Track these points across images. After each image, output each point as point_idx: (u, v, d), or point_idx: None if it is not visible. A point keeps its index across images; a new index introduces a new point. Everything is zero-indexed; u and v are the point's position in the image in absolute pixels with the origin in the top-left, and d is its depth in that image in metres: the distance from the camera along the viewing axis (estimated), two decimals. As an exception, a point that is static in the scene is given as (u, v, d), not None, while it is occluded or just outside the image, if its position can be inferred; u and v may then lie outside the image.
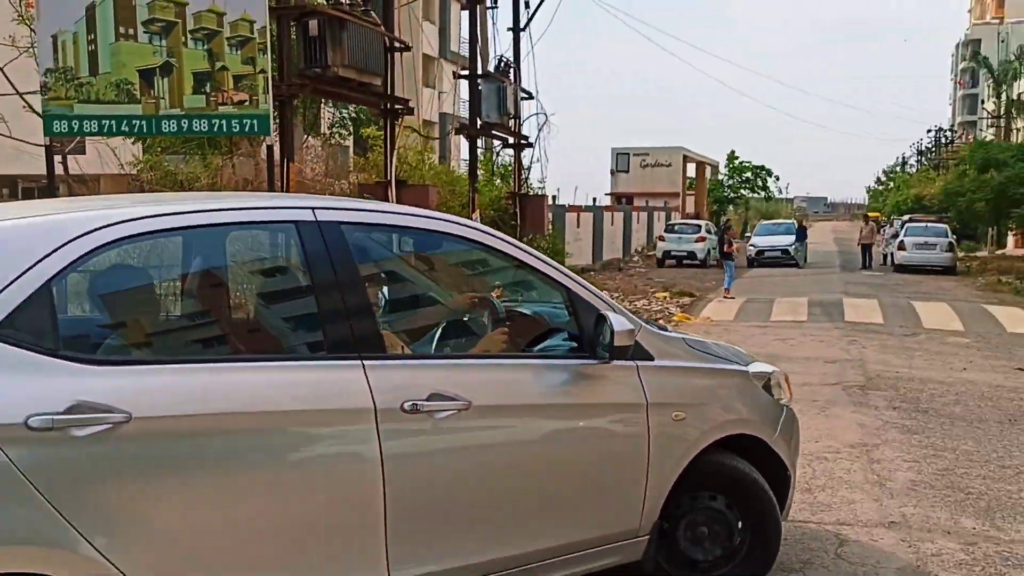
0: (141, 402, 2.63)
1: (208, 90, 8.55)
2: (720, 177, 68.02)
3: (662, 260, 31.06)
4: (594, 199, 40.39)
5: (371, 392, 3.02)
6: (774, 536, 4.05)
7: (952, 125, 68.21)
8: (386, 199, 10.29)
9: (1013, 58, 45.66)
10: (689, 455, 3.82)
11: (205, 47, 8.58)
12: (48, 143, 9.53)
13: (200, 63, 8.59)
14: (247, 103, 8.47)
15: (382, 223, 3.57)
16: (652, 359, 3.74)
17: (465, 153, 22.64)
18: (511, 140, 19.06)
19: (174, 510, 2.69)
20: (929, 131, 74.84)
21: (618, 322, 3.50)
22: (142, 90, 8.76)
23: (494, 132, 17.43)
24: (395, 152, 11.11)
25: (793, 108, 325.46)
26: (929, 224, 31.69)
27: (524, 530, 3.45)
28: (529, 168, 20.75)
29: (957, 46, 56.88)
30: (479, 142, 17.65)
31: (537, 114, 21.02)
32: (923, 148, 63.82)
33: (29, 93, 10.61)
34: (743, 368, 4.21)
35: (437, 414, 3.15)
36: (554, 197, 28.75)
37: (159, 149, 13.47)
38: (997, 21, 59.89)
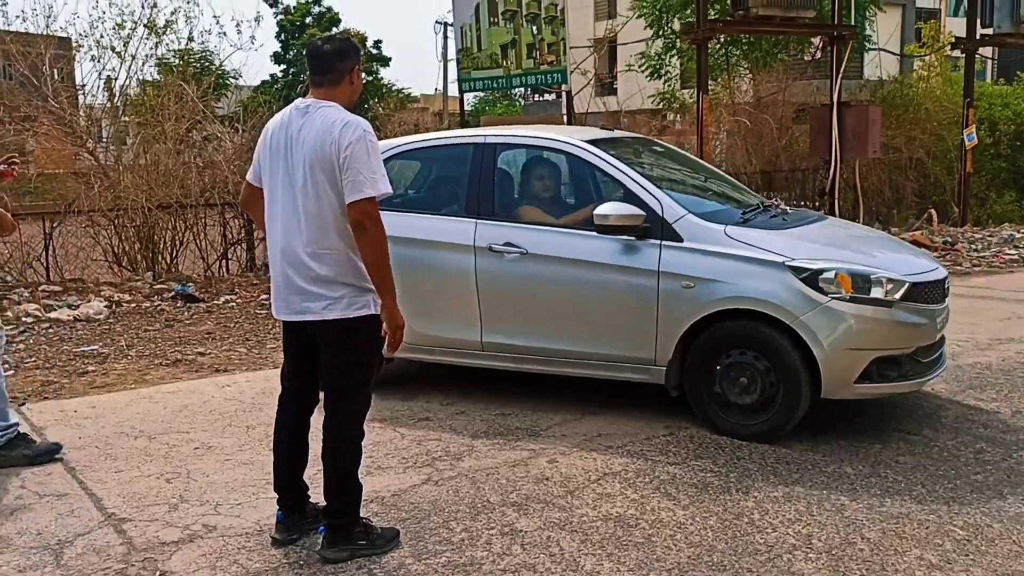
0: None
1: (535, 55, 12.49)
2: None
3: None
4: None
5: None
6: None
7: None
8: (829, 119, 11.80)
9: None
10: None
11: (532, 26, 12.49)
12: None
13: (529, 37, 12.55)
14: (554, 62, 12.25)
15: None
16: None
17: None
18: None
19: None
20: None
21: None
22: (502, 58, 13.01)
23: (1008, 42, 15.05)
24: (840, 76, 11.94)
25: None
26: None
27: None
28: None
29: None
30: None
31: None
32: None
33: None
34: None
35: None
36: None
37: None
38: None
